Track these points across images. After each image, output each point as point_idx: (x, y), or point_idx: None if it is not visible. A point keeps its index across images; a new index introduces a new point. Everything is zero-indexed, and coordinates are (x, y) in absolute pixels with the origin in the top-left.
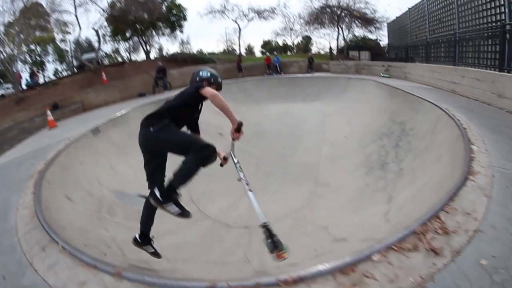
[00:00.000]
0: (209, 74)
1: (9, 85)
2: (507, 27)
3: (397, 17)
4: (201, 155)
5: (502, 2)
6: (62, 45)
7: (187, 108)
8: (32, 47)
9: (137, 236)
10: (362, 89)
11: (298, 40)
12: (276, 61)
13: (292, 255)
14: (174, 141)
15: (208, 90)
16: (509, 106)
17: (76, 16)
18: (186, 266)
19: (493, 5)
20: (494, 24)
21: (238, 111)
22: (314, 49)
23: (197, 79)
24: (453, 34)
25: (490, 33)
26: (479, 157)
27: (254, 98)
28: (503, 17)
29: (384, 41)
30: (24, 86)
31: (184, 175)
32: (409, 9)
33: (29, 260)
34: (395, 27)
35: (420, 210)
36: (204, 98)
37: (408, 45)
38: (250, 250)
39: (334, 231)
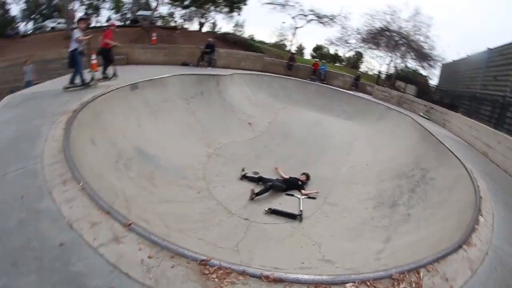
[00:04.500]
0: None
1: (62, 20)
2: None
3: (453, 61)
4: None
5: None
6: None
7: None
8: None
9: None
10: (398, 122)
11: (350, 53)
12: (322, 69)
13: (279, 261)
14: None
15: None
16: None
17: None
18: (180, 236)
19: None
20: None
21: (273, 107)
22: (363, 67)
23: None
24: (503, 96)
25: None
26: (482, 230)
27: (292, 99)
28: None
29: (433, 81)
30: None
31: None
32: (467, 56)
33: (49, 189)
34: (449, 70)
35: (410, 259)
36: None
37: (456, 93)
38: (243, 241)
39: (325, 250)
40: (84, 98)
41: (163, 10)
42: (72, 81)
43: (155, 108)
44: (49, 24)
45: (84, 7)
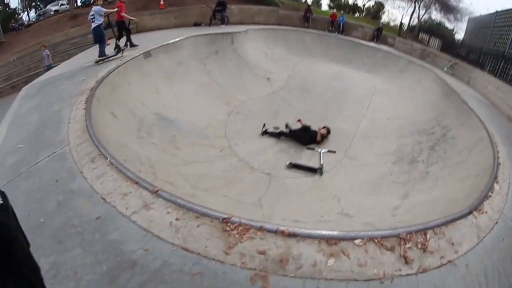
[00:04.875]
0: None
1: (64, 2)
2: None
3: (481, 15)
4: None
5: None
6: None
7: None
8: None
9: None
10: (419, 77)
11: (369, 3)
12: (341, 20)
13: (300, 214)
14: None
15: None
16: None
17: None
18: (205, 195)
19: None
20: None
21: (291, 61)
22: (384, 18)
23: None
24: None
25: None
26: (495, 198)
27: (309, 52)
28: None
29: (459, 35)
30: (79, 3)
31: None
32: (497, 12)
33: (79, 169)
34: (476, 25)
35: (423, 218)
36: None
37: (484, 50)
38: (265, 196)
39: (344, 204)
40: (99, 74)
41: None
42: (102, 53)
43: (171, 72)
44: (52, 8)
45: None
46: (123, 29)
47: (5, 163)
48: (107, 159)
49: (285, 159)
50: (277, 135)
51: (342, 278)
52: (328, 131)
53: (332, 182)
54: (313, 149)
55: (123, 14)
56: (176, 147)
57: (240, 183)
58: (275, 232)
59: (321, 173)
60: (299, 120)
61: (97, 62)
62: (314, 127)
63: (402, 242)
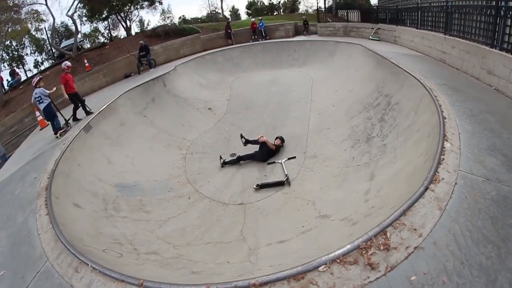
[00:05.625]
0: None
1: None
2: (502, 3)
3: None
4: None
5: None
6: (38, 35)
7: None
8: (7, 43)
9: None
10: (350, 54)
11: None
12: (261, 26)
13: (283, 231)
14: None
15: None
16: (497, 84)
17: (47, 5)
18: (190, 250)
19: None
20: None
21: (226, 83)
22: (302, 8)
23: None
24: (445, 2)
25: (484, 5)
26: (448, 159)
27: (241, 67)
28: None
29: (374, 0)
30: (6, 87)
31: None
32: None
33: (69, 282)
34: None
35: (392, 197)
36: None
37: (399, 7)
38: (245, 227)
39: (320, 206)
40: (48, 166)
41: (85, 29)
42: (59, 127)
43: (116, 136)
44: None
45: (6, 63)
46: (77, 100)
47: None
48: (88, 265)
49: (251, 183)
50: (236, 161)
51: None
52: (282, 140)
53: (302, 187)
54: (274, 162)
55: (71, 85)
56: (146, 212)
57: (218, 223)
58: (248, 286)
59: (289, 183)
60: (261, 137)
61: (60, 135)
62: (269, 139)
63: (364, 252)
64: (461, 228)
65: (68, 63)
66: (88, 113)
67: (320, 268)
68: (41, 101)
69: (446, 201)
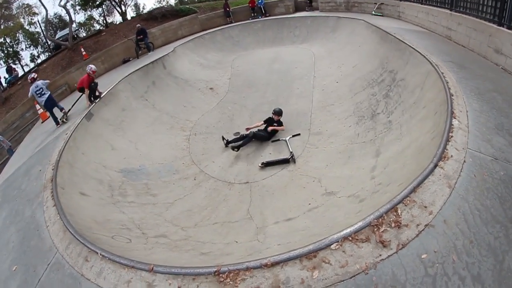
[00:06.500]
0: None
1: None
2: None
3: None
4: None
5: None
6: (32, 28)
7: None
8: (1, 40)
9: None
10: (352, 30)
11: None
12: (260, 3)
13: (289, 209)
14: None
15: None
16: (504, 63)
17: None
18: (197, 231)
19: None
20: None
21: (227, 62)
22: None
23: None
24: None
25: None
26: (457, 136)
27: (241, 45)
28: None
29: None
30: (4, 85)
31: None
32: None
33: (80, 272)
34: None
35: (400, 174)
36: None
37: None
38: (251, 206)
39: (325, 183)
40: (51, 158)
41: (80, 18)
42: (62, 109)
43: (118, 122)
44: None
45: (2, 60)
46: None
47: None
48: (97, 253)
49: (257, 161)
50: (240, 139)
51: (330, 283)
52: (277, 113)
53: (308, 164)
54: (278, 140)
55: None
56: (153, 195)
57: (224, 202)
58: (260, 266)
59: (294, 161)
60: (247, 128)
61: (65, 118)
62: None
63: (376, 229)
64: (470, 206)
65: (93, 67)
66: (96, 98)
67: (332, 246)
68: (42, 92)
69: (455, 179)
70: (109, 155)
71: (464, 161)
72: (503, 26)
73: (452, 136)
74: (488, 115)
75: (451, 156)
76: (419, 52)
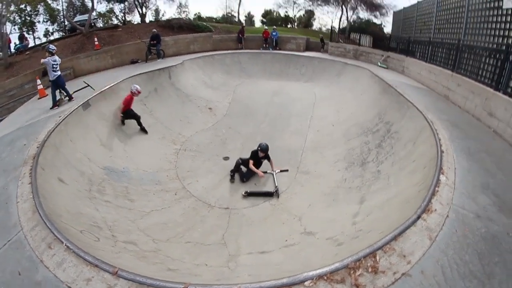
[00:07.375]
0: None
1: None
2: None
3: (404, 8)
4: None
5: None
6: (54, 4)
7: None
8: (22, 6)
9: None
10: (356, 77)
11: (300, 13)
12: (274, 36)
13: (265, 242)
14: None
15: None
16: (496, 126)
17: None
18: (169, 246)
19: (503, 20)
20: (500, 39)
21: (230, 86)
22: (316, 25)
23: None
24: (457, 40)
25: (494, 49)
26: (442, 192)
27: (248, 72)
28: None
29: (388, 28)
30: (13, 50)
31: None
32: (418, 2)
33: (39, 257)
34: (401, 17)
35: (382, 223)
36: None
37: (411, 39)
38: (227, 232)
39: (306, 223)
40: (39, 136)
41: (101, 8)
42: (68, 93)
43: (112, 118)
44: None
45: (17, 26)
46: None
47: None
48: (63, 243)
49: (240, 190)
50: (236, 170)
51: None
52: (263, 149)
53: (291, 201)
54: (266, 172)
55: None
56: (130, 200)
57: (201, 223)
58: None
59: (278, 195)
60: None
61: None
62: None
63: (352, 272)
64: (449, 260)
65: (138, 87)
66: (144, 130)
67: (306, 283)
68: (57, 69)
69: (436, 232)
70: (97, 149)
71: (447, 216)
72: (499, 91)
73: (438, 191)
74: (475, 174)
75: (435, 209)
76: (416, 108)
